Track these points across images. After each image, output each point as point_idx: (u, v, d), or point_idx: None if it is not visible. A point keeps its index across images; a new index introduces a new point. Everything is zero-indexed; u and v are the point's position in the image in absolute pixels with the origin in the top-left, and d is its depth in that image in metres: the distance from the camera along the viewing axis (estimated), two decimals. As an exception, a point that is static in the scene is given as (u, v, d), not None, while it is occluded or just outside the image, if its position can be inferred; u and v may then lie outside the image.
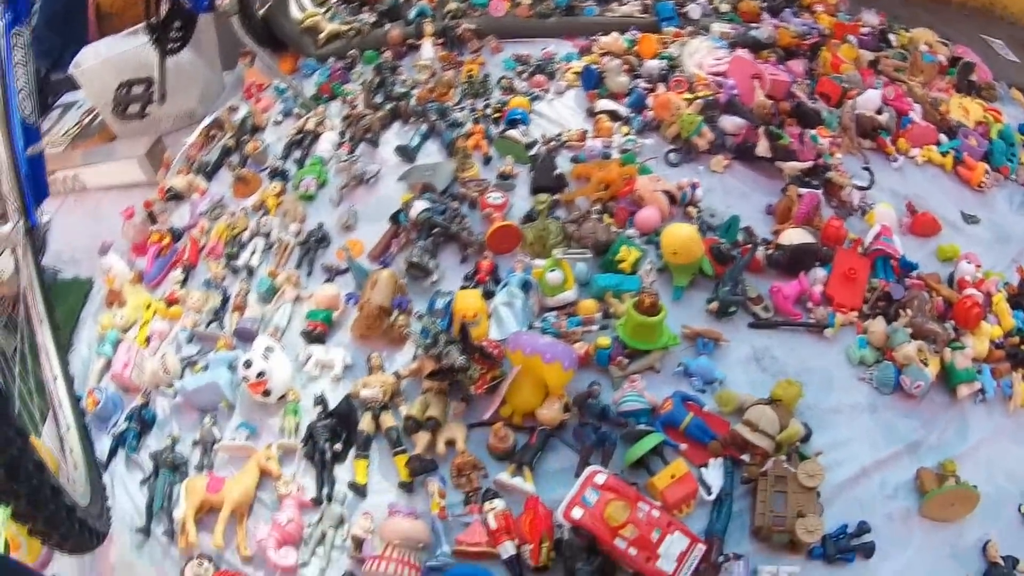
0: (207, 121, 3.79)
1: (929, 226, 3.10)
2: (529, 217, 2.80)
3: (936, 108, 3.61)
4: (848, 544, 2.15)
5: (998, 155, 3.54)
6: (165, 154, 3.92)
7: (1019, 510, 2.42)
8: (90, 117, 4.47)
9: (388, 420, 2.35)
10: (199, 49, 4.04)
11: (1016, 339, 2.79)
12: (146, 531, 2.36)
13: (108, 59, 4.02)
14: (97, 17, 4.82)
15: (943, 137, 3.51)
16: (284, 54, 3.96)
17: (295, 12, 3.98)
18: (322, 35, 3.84)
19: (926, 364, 2.52)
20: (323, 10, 4.00)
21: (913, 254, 2.93)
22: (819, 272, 2.73)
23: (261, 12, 3.93)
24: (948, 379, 2.57)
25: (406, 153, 3.12)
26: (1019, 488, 2.48)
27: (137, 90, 4.01)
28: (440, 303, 2.51)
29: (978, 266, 2.94)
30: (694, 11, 3.90)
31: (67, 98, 4.69)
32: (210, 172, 3.50)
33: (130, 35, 4.09)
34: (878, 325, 2.60)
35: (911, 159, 3.41)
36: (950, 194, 3.35)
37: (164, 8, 3.37)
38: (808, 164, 3.06)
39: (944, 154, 3.43)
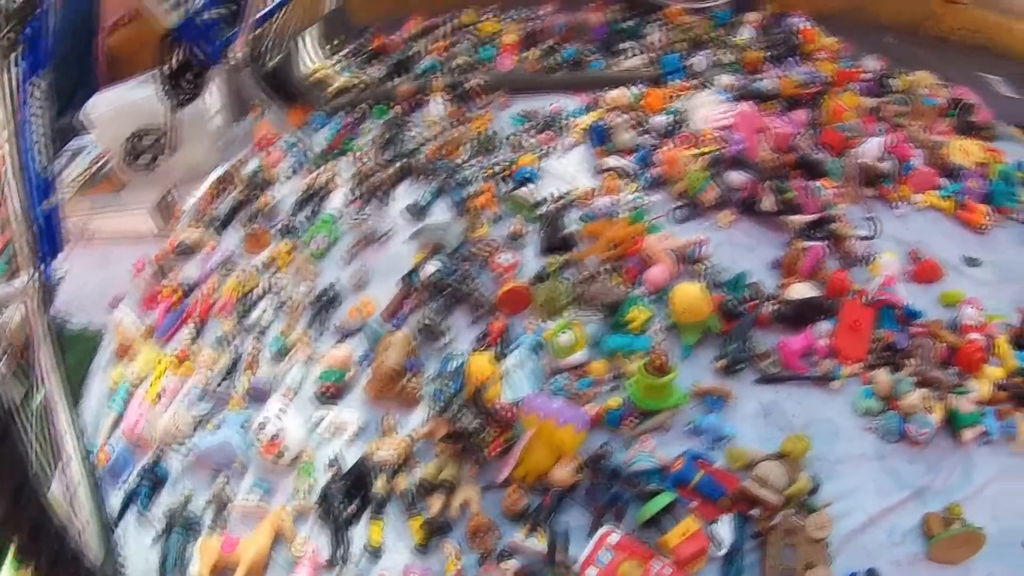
0: (217, 174, 3.82)
1: (932, 273, 3.11)
2: (540, 277, 2.81)
3: (937, 152, 3.64)
4: (857, 591, 2.15)
5: (999, 196, 3.55)
6: (175, 206, 3.95)
7: (1022, 544, 2.42)
8: (99, 164, 4.47)
9: (402, 482, 2.35)
10: (210, 100, 4.08)
11: (1020, 379, 2.79)
12: (161, 591, 2.36)
13: (120, 108, 4.04)
14: (107, 60, 4.86)
15: (944, 180, 3.53)
16: (294, 107, 3.98)
17: (305, 64, 4.02)
18: (331, 88, 3.89)
19: (930, 411, 2.53)
20: (332, 62, 4.05)
21: (917, 300, 2.95)
22: (824, 325, 2.75)
23: (271, 64, 3.95)
24: (952, 423, 2.59)
25: (416, 212, 3.15)
26: None
27: (148, 140, 4.03)
28: (452, 365, 2.53)
29: (981, 309, 2.95)
30: (699, 63, 3.95)
31: (75, 143, 4.69)
32: (221, 227, 3.53)
33: (142, 83, 4.08)
34: (883, 375, 2.62)
35: (913, 204, 3.44)
36: (952, 237, 3.37)
37: (177, 58, 3.38)
38: (813, 217, 3.09)
39: (945, 198, 3.45)
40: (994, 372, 2.75)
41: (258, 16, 3.58)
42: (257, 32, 3.65)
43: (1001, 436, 2.61)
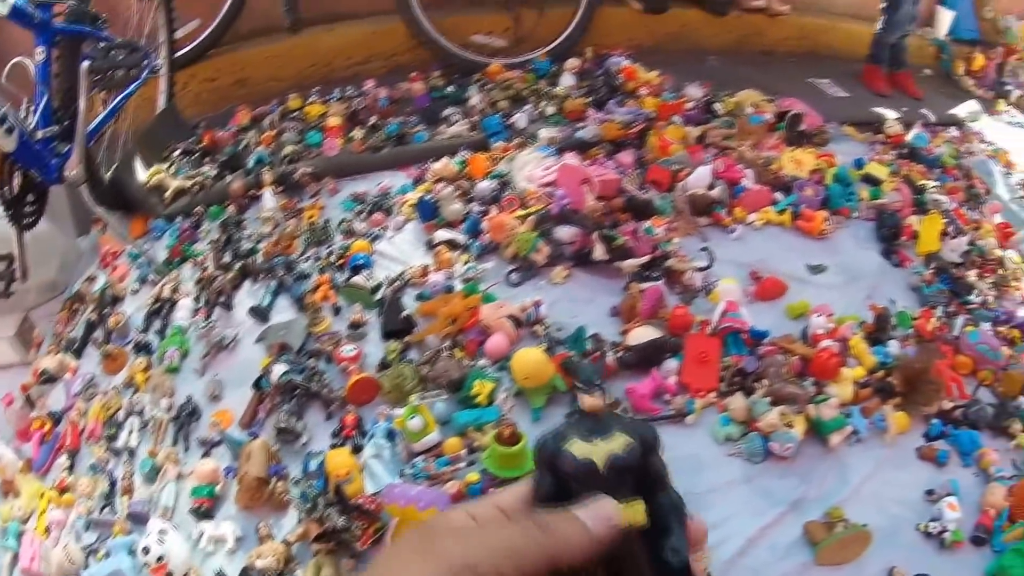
0: (68, 294, 3.86)
1: (775, 288, 3.24)
2: (384, 364, 2.90)
3: (768, 168, 3.77)
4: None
5: (836, 199, 3.74)
6: (35, 332, 3.98)
7: (917, 528, 2.57)
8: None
9: None
10: (53, 219, 4.07)
11: (881, 373, 2.94)
12: None
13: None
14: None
15: (779, 195, 3.68)
16: (134, 216, 3.99)
17: (141, 171, 4.02)
18: (168, 193, 3.88)
19: (791, 426, 2.64)
20: (167, 166, 4.06)
21: (764, 319, 3.07)
22: (671, 363, 2.84)
23: (108, 175, 3.97)
24: (818, 431, 2.70)
25: (260, 313, 3.20)
26: (913, 510, 2.63)
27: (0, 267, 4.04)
28: (313, 464, 2.63)
29: (830, 315, 3.08)
30: (521, 121, 4.07)
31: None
32: (78, 350, 3.55)
33: None
34: (738, 401, 2.72)
35: (749, 225, 3.56)
36: (795, 250, 3.51)
37: (17, 182, 3.40)
38: (645, 258, 3.19)
39: (781, 212, 3.59)
40: (854, 373, 2.88)
41: (90, 129, 3.62)
42: (92, 144, 3.69)
43: (872, 432, 2.75)
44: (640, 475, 0.71)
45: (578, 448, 0.70)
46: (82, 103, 3.44)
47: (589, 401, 0.73)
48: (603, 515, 0.67)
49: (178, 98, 4.59)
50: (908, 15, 5.56)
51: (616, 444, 0.70)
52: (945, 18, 6.49)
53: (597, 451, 0.70)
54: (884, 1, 5.60)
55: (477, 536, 0.66)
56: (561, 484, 0.70)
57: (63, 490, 3.03)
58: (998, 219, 4.43)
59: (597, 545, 0.66)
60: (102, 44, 3.62)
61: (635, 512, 0.68)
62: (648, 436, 0.72)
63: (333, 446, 2.72)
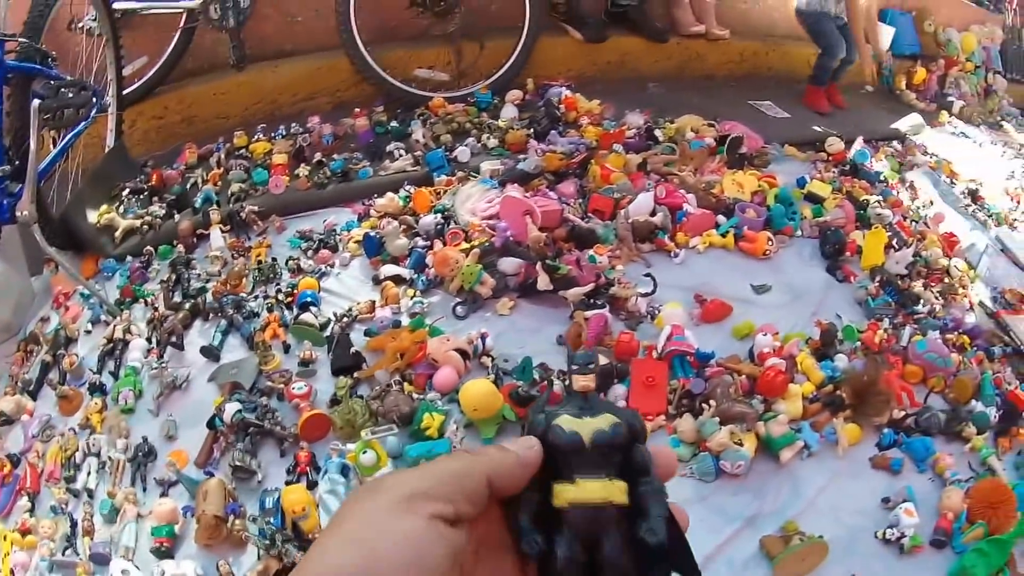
0: (22, 336, 3.89)
1: (719, 311, 3.35)
2: (335, 400, 2.98)
3: (710, 192, 3.88)
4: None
5: (778, 219, 3.86)
6: (-10, 374, 3.98)
7: (875, 536, 2.68)
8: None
9: None
10: (6, 259, 4.06)
11: (829, 388, 3.05)
12: None
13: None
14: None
15: (721, 218, 3.79)
16: (86, 256, 4.01)
17: (91, 211, 4.06)
18: (118, 232, 3.93)
19: (741, 444, 2.74)
20: (116, 205, 4.11)
21: (710, 341, 3.17)
22: (619, 388, 2.94)
23: (58, 215, 3.97)
24: (769, 448, 2.81)
25: (211, 353, 3.25)
26: (871, 519, 2.73)
27: None
28: (269, 502, 2.69)
29: (775, 334, 3.18)
30: (463, 154, 4.18)
31: None
32: (34, 391, 3.55)
33: None
34: (686, 423, 2.83)
35: (692, 249, 3.66)
36: (738, 270, 3.63)
37: None
38: (589, 287, 3.29)
39: (724, 234, 3.71)
40: (802, 388, 2.98)
41: (41, 168, 3.63)
42: (42, 183, 3.70)
43: (823, 446, 2.86)
44: (625, 459, 0.75)
45: (566, 423, 0.75)
46: (33, 142, 3.46)
47: (582, 382, 0.77)
48: (527, 443, 0.74)
49: (126, 136, 4.64)
50: (835, 39, 5.72)
51: (603, 422, 0.75)
52: (886, 34, 6.66)
53: (584, 427, 0.74)
54: (809, 33, 5.77)
55: (421, 469, 0.72)
56: (546, 464, 0.74)
57: (25, 532, 3.05)
58: (943, 229, 4.57)
59: (524, 467, 0.72)
60: (52, 82, 3.64)
61: (615, 489, 0.72)
62: (636, 424, 0.78)
63: (288, 482, 2.79)
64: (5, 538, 3.04)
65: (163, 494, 2.93)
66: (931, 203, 4.92)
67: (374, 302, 3.36)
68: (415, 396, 2.95)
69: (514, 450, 0.73)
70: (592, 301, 3.30)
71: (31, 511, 3.13)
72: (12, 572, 2.95)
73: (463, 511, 0.67)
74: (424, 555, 0.63)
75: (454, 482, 0.69)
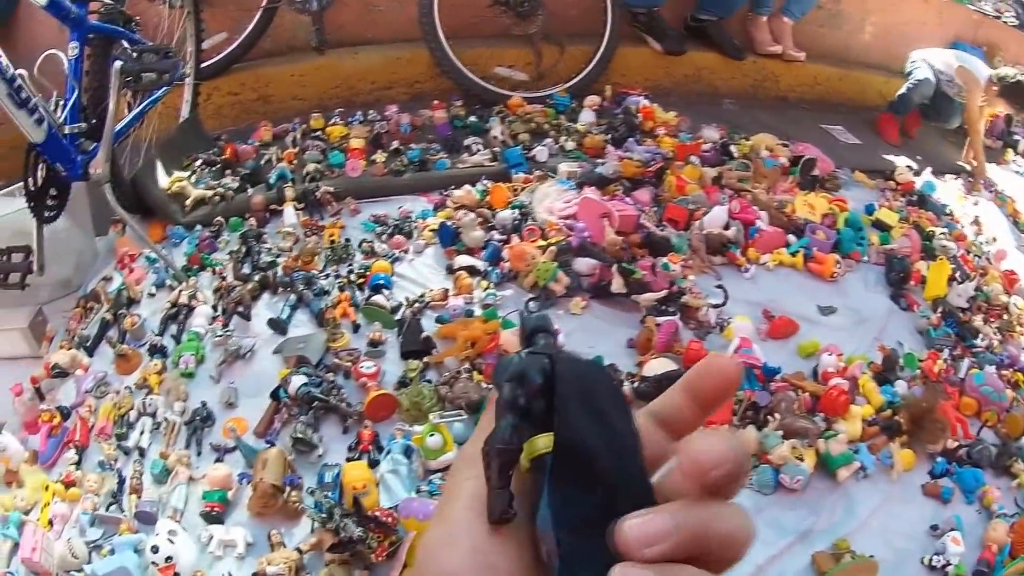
0: (83, 292, 3.88)
1: (787, 327, 3.34)
2: (403, 383, 2.96)
3: (782, 211, 3.86)
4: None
5: (847, 243, 3.85)
6: (47, 326, 3.97)
7: (921, 562, 2.66)
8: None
9: None
10: (73, 216, 4.04)
11: (888, 412, 3.04)
12: None
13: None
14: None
15: (791, 237, 3.78)
16: (153, 221, 4.01)
17: (162, 178, 4.04)
18: (188, 201, 3.92)
19: (801, 459, 2.74)
20: (188, 175, 4.09)
21: (775, 357, 3.16)
22: None
23: (130, 177, 3.98)
24: (827, 466, 2.80)
25: (278, 326, 3.24)
26: (918, 544, 2.73)
27: (17, 258, 3.95)
28: (329, 476, 2.67)
29: (839, 355, 3.18)
30: (541, 154, 4.17)
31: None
32: (90, 347, 3.54)
33: (5, 197, 4.06)
34: (750, 434, 2.82)
35: (763, 265, 3.66)
36: (805, 291, 3.62)
37: (40, 174, 3.40)
38: (662, 293, 3.28)
39: (794, 254, 3.70)
40: (862, 410, 2.98)
41: (117, 129, 3.62)
42: (116, 145, 3.68)
43: (878, 468, 2.85)
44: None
45: None
46: (112, 102, 3.45)
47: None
48: None
49: (201, 109, 4.63)
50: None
51: None
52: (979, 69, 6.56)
53: None
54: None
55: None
56: None
57: (69, 484, 3.03)
58: (1004, 266, 4.54)
59: None
60: (134, 46, 3.64)
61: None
62: None
63: (349, 459, 2.77)
64: (47, 488, 3.03)
65: (218, 459, 2.92)
66: (994, 239, 4.88)
67: (447, 290, 3.35)
68: (484, 385, 2.91)
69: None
70: (663, 308, 3.29)
71: (77, 464, 3.10)
72: (51, 522, 2.92)
73: None
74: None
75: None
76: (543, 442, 0.53)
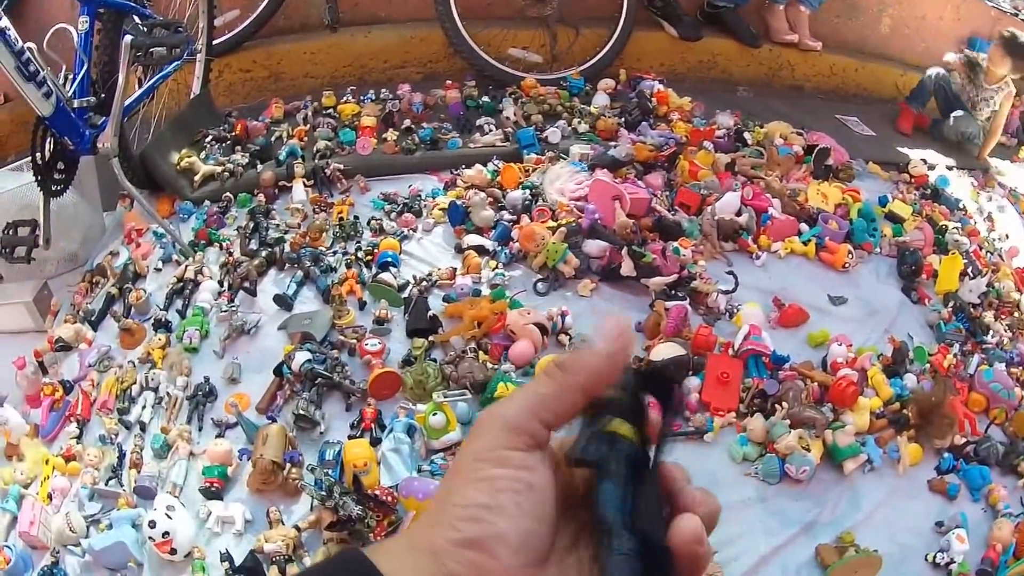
0: (89, 267, 3.86)
1: (797, 316, 3.29)
2: (407, 361, 2.93)
3: (794, 199, 3.82)
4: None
5: (859, 233, 3.80)
6: (52, 300, 3.95)
7: (925, 558, 2.63)
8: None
9: (294, 572, 2.42)
10: (80, 190, 4.03)
11: (896, 405, 3.01)
12: None
13: (-7, 197, 3.98)
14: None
15: (804, 226, 3.74)
16: (161, 196, 3.99)
17: (171, 154, 4.02)
18: (197, 176, 3.89)
19: (808, 450, 2.70)
20: (197, 150, 4.07)
21: (785, 345, 3.12)
22: (693, 381, 2.90)
23: (139, 152, 3.94)
24: (833, 457, 2.77)
25: (284, 302, 3.21)
26: (923, 540, 2.70)
27: (23, 231, 3.94)
28: (330, 454, 2.64)
29: (849, 345, 3.14)
30: (553, 135, 4.12)
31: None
32: (95, 322, 3.52)
33: (13, 171, 4.09)
34: (757, 422, 2.79)
35: (774, 253, 3.62)
36: (816, 280, 3.58)
37: (49, 148, 3.39)
38: (672, 278, 3.25)
39: (806, 243, 3.66)
40: (870, 402, 2.94)
41: (126, 104, 3.58)
42: (125, 120, 3.67)
43: (885, 462, 2.82)
44: None
45: None
46: (121, 77, 3.41)
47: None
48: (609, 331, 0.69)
49: (212, 86, 4.60)
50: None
51: None
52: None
53: None
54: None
55: (519, 397, 0.69)
56: None
57: (69, 458, 3.01)
58: (1016, 263, 4.49)
59: (615, 363, 0.69)
60: (145, 21, 3.60)
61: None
62: None
63: (351, 437, 2.74)
64: (48, 462, 3.02)
65: (219, 435, 2.89)
66: (1007, 236, 4.82)
67: (455, 269, 3.32)
68: (489, 366, 2.89)
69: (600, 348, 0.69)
70: (673, 292, 3.27)
71: (78, 438, 3.09)
72: (50, 496, 2.91)
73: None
74: (535, 482, 0.64)
75: (545, 407, 0.67)
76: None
